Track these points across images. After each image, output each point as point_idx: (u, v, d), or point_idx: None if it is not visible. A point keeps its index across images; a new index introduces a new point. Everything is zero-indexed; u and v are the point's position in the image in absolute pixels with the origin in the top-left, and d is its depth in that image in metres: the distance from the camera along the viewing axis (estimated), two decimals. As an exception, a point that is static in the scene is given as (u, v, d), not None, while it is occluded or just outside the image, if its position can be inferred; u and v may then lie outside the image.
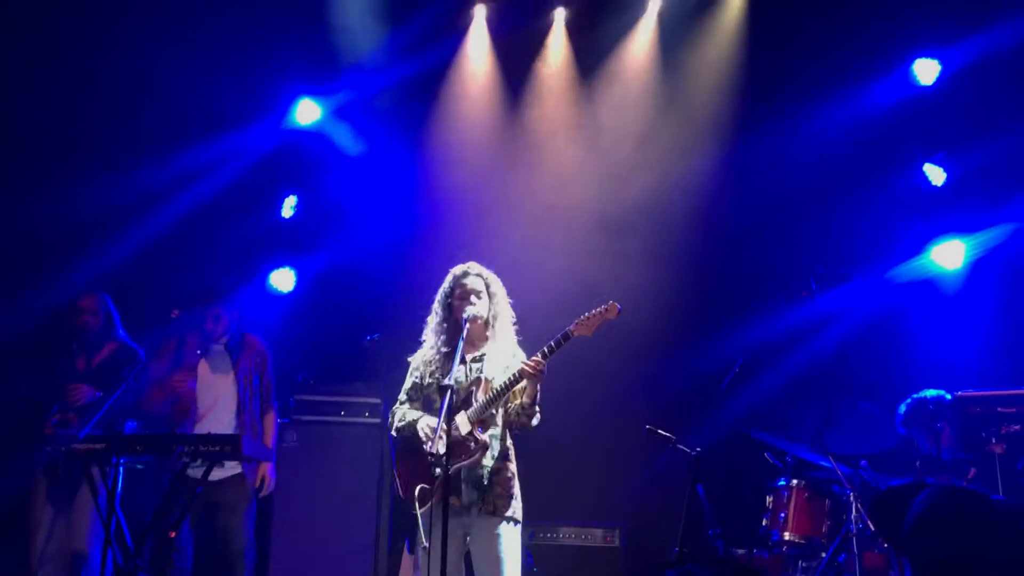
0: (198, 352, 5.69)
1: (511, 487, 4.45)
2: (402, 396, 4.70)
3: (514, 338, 4.67)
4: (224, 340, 5.76)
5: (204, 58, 6.93)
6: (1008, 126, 6.41)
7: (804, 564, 5.62)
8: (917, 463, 5.49)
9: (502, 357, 4.58)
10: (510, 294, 4.73)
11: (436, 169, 7.56)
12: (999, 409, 4.60)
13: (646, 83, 7.44)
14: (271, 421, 5.81)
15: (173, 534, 5.14)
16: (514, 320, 4.69)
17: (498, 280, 4.71)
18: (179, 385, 5.57)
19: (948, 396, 5.34)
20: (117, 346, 5.76)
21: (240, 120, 7.21)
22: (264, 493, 5.70)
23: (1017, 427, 4.56)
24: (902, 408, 5.53)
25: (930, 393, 5.44)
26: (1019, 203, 6.45)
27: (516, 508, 4.44)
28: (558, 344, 4.35)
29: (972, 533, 2.41)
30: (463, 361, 4.53)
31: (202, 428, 5.49)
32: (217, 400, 5.62)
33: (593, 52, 7.55)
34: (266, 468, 5.65)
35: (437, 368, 4.58)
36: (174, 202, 6.99)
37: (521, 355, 4.59)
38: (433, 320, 4.70)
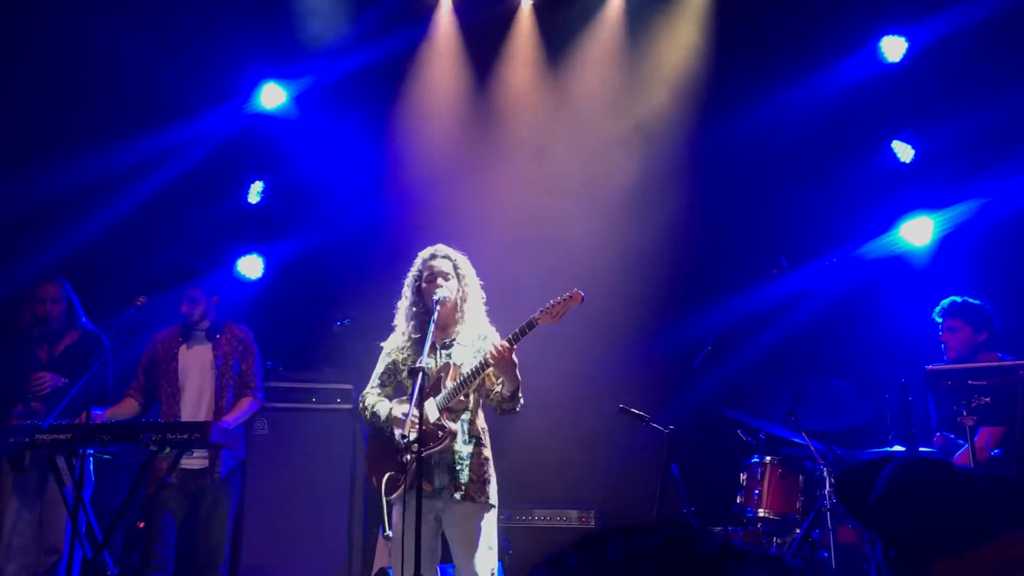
0: (180, 339, 5.63)
1: (484, 471, 4.40)
2: (374, 380, 4.64)
3: (485, 319, 4.63)
4: (205, 326, 5.69)
5: (166, 40, 6.84)
6: (975, 102, 6.44)
7: (779, 540, 5.65)
8: (890, 435, 5.52)
9: (472, 341, 4.54)
10: (479, 278, 4.69)
11: (404, 151, 7.50)
12: (970, 382, 4.62)
13: (614, 63, 7.42)
14: (244, 403, 5.65)
15: (142, 524, 5.07)
16: (484, 300, 4.65)
17: (467, 261, 4.66)
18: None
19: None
20: (80, 333, 5.66)
21: (204, 103, 7.10)
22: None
23: (987, 399, 4.58)
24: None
25: None
26: (987, 179, 6.48)
27: (490, 492, 4.40)
28: (523, 332, 4.29)
29: (937, 504, 2.39)
30: (433, 347, 4.49)
31: (180, 416, 5.42)
32: (196, 388, 5.55)
33: (561, 32, 7.51)
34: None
35: (409, 355, 4.53)
36: (137, 186, 6.88)
37: (493, 335, 4.55)
38: (404, 304, 4.65)
